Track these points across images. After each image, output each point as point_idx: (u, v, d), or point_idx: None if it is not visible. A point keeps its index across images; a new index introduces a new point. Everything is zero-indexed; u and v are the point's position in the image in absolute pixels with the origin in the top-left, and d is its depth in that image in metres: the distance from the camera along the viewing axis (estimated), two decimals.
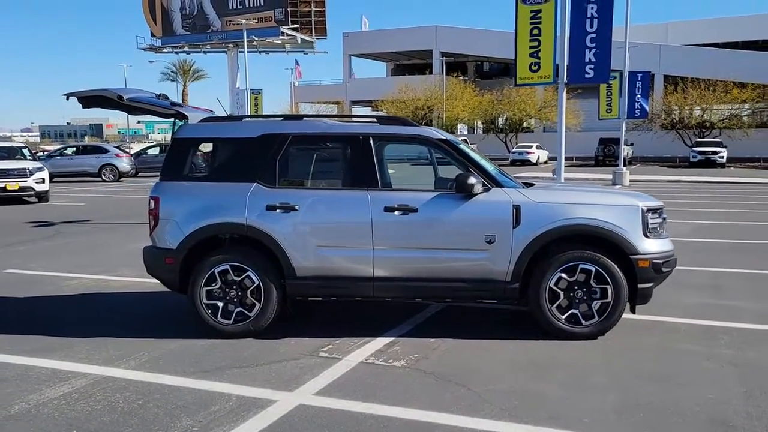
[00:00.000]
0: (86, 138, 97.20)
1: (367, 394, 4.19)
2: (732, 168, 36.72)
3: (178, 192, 5.56)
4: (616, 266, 5.11)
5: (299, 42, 54.65)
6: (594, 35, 12.31)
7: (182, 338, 5.44)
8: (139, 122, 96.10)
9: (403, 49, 58.65)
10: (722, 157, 37.57)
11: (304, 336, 5.44)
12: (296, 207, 5.32)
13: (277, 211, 5.34)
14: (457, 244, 5.26)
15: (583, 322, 5.21)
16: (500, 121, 50.80)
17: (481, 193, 5.21)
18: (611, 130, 39.59)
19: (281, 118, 5.96)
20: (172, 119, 5.89)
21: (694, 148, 39.15)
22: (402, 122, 5.74)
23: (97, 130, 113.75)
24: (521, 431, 3.61)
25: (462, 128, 56.43)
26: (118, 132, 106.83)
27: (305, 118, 5.93)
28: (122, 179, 28.35)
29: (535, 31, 12.72)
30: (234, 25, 51.05)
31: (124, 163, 28.76)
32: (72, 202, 18.62)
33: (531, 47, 12.76)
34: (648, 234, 5.21)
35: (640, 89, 24.62)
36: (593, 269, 5.13)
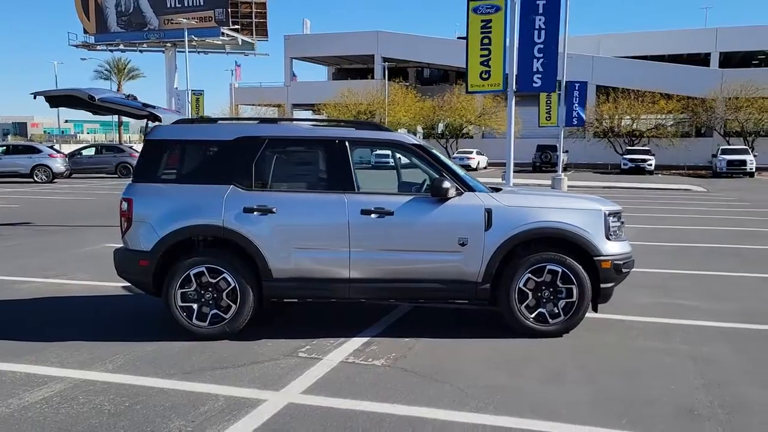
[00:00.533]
0: (9, 137, 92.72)
1: (354, 392, 4.30)
2: (660, 175, 38.49)
3: (152, 194, 5.53)
4: (580, 267, 5.39)
5: (240, 43, 53.96)
6: (541, 46, 12.77)
7: (156, 341, 5.40)
8: (66, 121, 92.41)
9: (345, 53, 58.82)
10: (651, 165, 39.39)
11: (279, 337, 5.49)
12: (273, 209, 5.38)
13: (255, 213, 5.38)
14: (431, 246, 5.43)
15: (550, 320, 5.47)
16: (441, 127, 51.55)
17: (454, 197, 5.40)
18: (546, 137, 41.01)
19: (257, 121, 6.00)
20: (145, 120, 5.84)
21: (625, 156, 40.86)
22: (377, 127, 5.88)
23: (20, 128, 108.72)
24: (506, 423, 3.80)
25: (403, 133, 56.92)
26: (44, 131, 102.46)
27: (280, 122, 5.99)
28: (55, 180, 27.34)
29: (486, 41, 13.10)
30: (173, 23, 50.05)
31: (59, 164, 27.76)
32: (5, 204, 17.87)
33: (482, 56, 13.13)
34: (609, 237, 5.52)
35: (577, 98, 25.50)
36: (560, 270, 5.40)
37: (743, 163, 36.98)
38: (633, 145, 44.97)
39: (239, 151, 5.54)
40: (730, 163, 37.19)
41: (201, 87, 38.83)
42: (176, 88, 52.43)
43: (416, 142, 5.70)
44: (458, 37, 60.73)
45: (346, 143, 5.55)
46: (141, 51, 56.84)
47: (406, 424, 3.79)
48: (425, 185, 5.84)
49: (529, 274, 5.42)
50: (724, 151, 38.48)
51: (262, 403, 4.12)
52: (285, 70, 60.07)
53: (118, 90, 64.46)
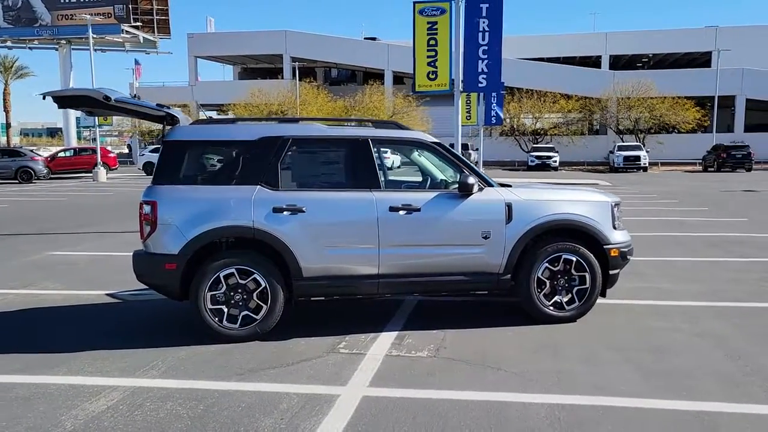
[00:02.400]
0: None
1: (418, 383, 4.45)
2: (564, 171, 40.68)
3: (177, 195, 5.41)
4: (592, 256, 5.79)
5: (141, 41, 51.96)
6: (486, 47, 13.27)
7: (183, 345, 5.32)
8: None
9: (253, 52, 57.87)
10: (555, 162, 41.55)
11: (308, 336, 5.53)
12: (303, 209, 5.41)
13: (285, 213, 5.39)
14: (456, 240, 5.65)
15: (566, 307, 5.83)
16: None
17: (476, 192, 5.65)
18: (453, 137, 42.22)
19: (276, 121, 5.99)
20: (162, 122, 5.64)
21: (532, 153, 42.85)
22: (397, 126, 6.04)
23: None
24: (582, 401, 4.06)
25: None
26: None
27: (301, 121, 6.00)
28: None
29: (432, 42, 13.47)
30: (68, 20, 47.42)
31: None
32: None
33: (428, 57, 13.49)
34: (615, 226, 5.96)
35: (495, 98, 26.53)
36: (574, 259, 5.77)
37: (638, 158, 39.77)
38: (537, 143, 47.18)
39: (263, 151, 5.53)
40: (626, 158, 39.87)
41: (98, 87, 36.65)
42: (72, 88, 49.72)
43: (435, 141, 5.90)
44: (365, 38, 61.43)
45: (369, 142, 5.67)
46: (31, 48, 53.52)
47: (490, 407, 3.99)
48: (441, 181, 6.07)
49: (547, 264, 5.76)
50: (620, 148, 41.21)
51: (337, 398, 4.19)
52: (189, 69, 58.31)
53: (5, 89, 60.20)
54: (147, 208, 5.39)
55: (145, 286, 7.22)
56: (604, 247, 5.83)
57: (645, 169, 39.76)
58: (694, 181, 30.08)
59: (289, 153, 5.61)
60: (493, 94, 26.90)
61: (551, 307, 5.81)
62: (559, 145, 46.34)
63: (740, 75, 48.30)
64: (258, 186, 5.45)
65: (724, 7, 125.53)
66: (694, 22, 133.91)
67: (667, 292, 6.98)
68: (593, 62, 56.56)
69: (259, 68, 64.80)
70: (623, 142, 44.35)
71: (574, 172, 39.15)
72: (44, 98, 5.52)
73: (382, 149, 6.53)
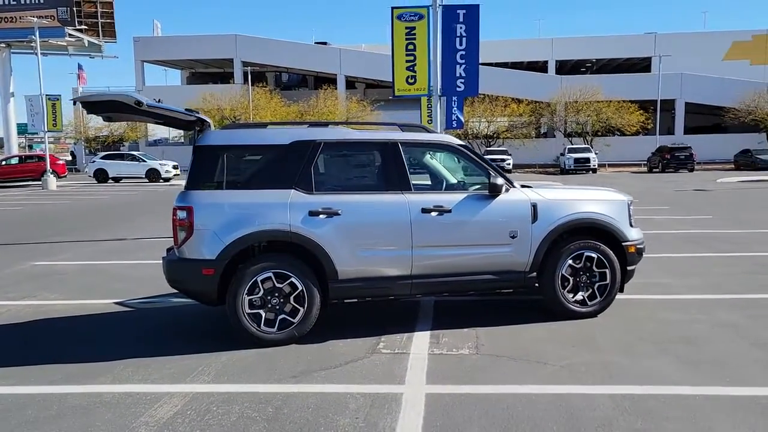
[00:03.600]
0: None
1: (474, 379, 4.58)
2: (517, 173, 41.50)
3: (213, 200, 5.39)
4: (612, 252, 6.03)
5: (86, 44, 50.31)
6: (463, 52, 13.52)
7: (220, 351, 5.30)
8: None
9: (202, 57, 56.98)
10: (509, 164, 42.36)
11: (343, 338, 5.58)
12: (339, 212, 5.47)
13: (321, 216, 5.44)
14: (485, 240, 5.80)
15: (589, 302, 6.06)
16: None
17: (503, 193, 5.82)
18: None
19: (306, 125, 6.02)
20: (194, 128, 5.57)
21: (486, 156, 43.55)
22: (424, 129, 6.15)
23: None
24: (639, 391, 4.24)
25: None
26: None
27: (330, 126, 6.05)
28: None
29: (411, 47, 13.64)
30: (8, 22, 45.67)
31: None
32: None
33: (407, 61, 13.65)
34: (632, 224, 6.22)
35: (456, 102, 26.90)
36: (595, 256, 5.99)
37: (588, 160, 41.01)
38: (490, 146, 48.07)
39: (296, 155, 5.56)
40: (576, 160, 41.06)
41: (37, 92, 35.12)
42: (12, 93, 47.91)
43: (461, 143, 6.05)
44: (315, 42, 61.29)
45: (399, 145, 5.77)
46: None
47: (554, 400, 4.14)
48: (455, 183, 6.21)
49: (570, 261, 5.97)
50: (571, 150, 42.41)
51: (401, 397, 4.27)
52: (136, 73, 57.00)
53: None
54: (182, 214, 5.35)
55: (150, 295, 7.21)
56: (623, 244, 6.08)
57: (594, 170, 41.01)
58: (645, 181, 31.22)
59: (322, 157, 5.66)
60: (454, 98, 27.35)
61: (574, 303, 6.02)
62: (510, 148, 47.34)
63: (679, 80, 50.39)
64: (292, 190, 5.48)
65: (663, 14, 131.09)
66: (635, 28, 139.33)
67: (671, 287, 7.30)
68: (540, 67, 57.95)
69: (208, 72, 63.87)
70: (572, 144, 45.62)
71: (527, 174, 40.02)
72: (75, 104, 5.40)
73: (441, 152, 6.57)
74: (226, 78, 58.76)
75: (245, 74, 52.38)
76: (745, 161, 41.26)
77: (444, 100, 25.83)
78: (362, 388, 4.43)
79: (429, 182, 6.50)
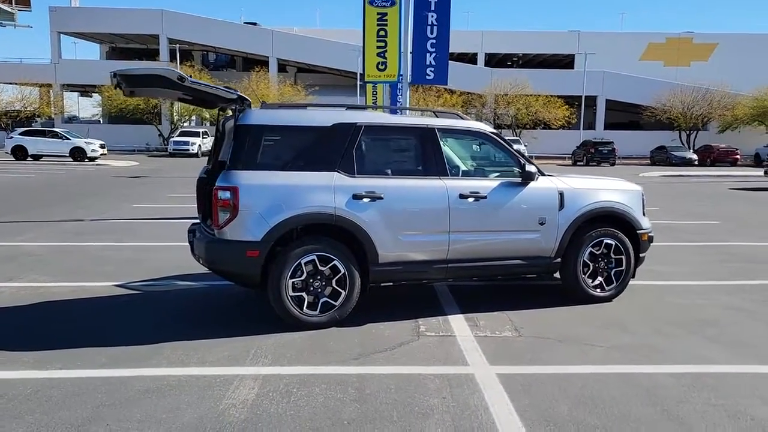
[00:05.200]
0: None
1: (532, 360, 4.74)
2: None
3: (258, 181, 5.27)
4: (627, 240, 6.34)
5: None
6: (434, 41, 13.60)
7: (265, 333, 5.24)
8: None
9: (126, 31, 54.48)
10: None
11: (381, 321, 5.61)
12: (382, 196, 5.48)
13: (364, 200, 5.43)
14: (517, 226, 5.97)
15: (606, 287, 6.35)
16: None
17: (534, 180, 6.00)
18: None
19: (344, 108, 5.97)
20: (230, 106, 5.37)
21: None
22: (458, 116, 6.23)
23: None
24: (696, 369, 4.51)
25: (197, 121, 54.43)
26: None
27: (368, 109, 6.01)
28: None
29: (382, 33, 13.64)
30: None
31: None
32: None
33: (378, 47, 13.64)
34: (644, 213, 6.55)
35: (401, 90, 27.05)
36: (613, 243, 6.29)
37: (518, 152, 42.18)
38: None
39: (338, 137, 5.53)
40: None
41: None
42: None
43: (493, 131, 6.18)
44: (245, 22, 59.89)
45: (436, 131, 5.83)
46: None
47: (623, 378, 4.35)
48: (468, 170, 6.33)
49: (591, 248, 6.23)
50: None
51: (474, 377, 4.37)
52: (52, 45, 53.80)
53: None
54: (226, 194, 5.20)
55: (149, 278, 7.00)
56: (638, 232, 6.40)
57: None
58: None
59: (363, 140, 5.64)
60: (399, 86, 27.49)
61: (593, 288, 6.30)
62: None
63: (602, 77, 52.62)
64: (335, 172, 5.44)
65: (585, 12, 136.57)
66: (558, 25, 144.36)
67: (663, 274, 7.72)
68: (470, 59, 59.00)
69: (130, 48, 61.27)
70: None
71: None
72: (114, 76, 5.11)
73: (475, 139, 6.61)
74: (149, 55, 56.55)
75: (172, 52, 50.58)
76: (660, 157, 43.65)
77: (390, 87, 26.02)
78: (431, 370, 4.49)
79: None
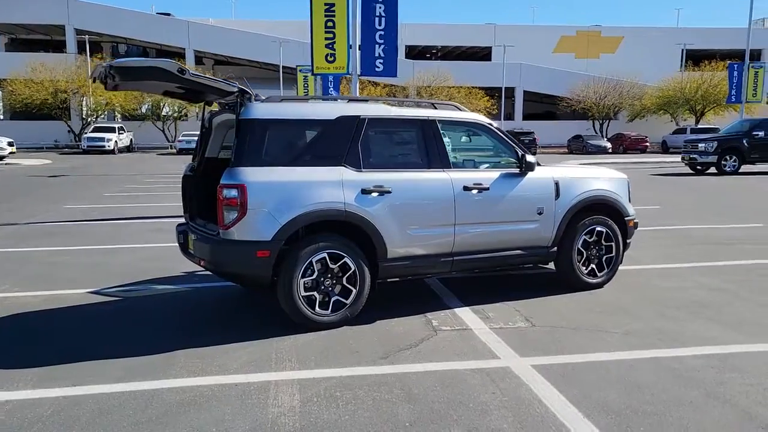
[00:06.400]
0: None
1: (560, 349, 4.74)
2: None
3: (266, 178, 5.03)
4: (617, 227, 6.50)
5: None
6: (382, 32, 13.53)
7: (276, 336, 5.03)
8: None
9: (27, 21, 51.22)
10: None
11: (387, 318, 5.49)
12: (390, 190, 5.36)
13: (372, 194, 5.29)
14: (517, 216, 5.99)
15: (598, 274, 6.48)
16: (167, 109, 48.27)
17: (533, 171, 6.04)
18: None
19: (346, 100, 5.77)
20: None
21: None
22: (456, 107, 6.16)
23: None
24: (717, 350, 4.65)
25: (109, 116, 51.83)
26: None
27: (369, 101, 5.84)
28: None
29: (330, 24, 13.41)
30: None
31: None
32: None
33: (326, 38, 13.41)
34: (630, 200, 6.73)
35: (332, 82, 26.82)
36: (604, 231, 6.43)
37: None
38: None
39: (342, 130, 5.36)
40: None
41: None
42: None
43: (491, 122, 6.16)
44: (158, 13, 57.64)
45: (437, 123, 5.76)
46: None
47: (653, 363, 4.43)
48: (493, 161, 6.33)
49: (584, 236, 6.34)
50: None
51: (509, 369, 4.34)
52: None
53: None
54: (232, 192, 4.93)
55: (122, 283, 6.64)
56: (625, 219, 6.57)
57: None
58: None
59: (367, 133, 5.48)
60: (330, 77, 27.23)
61: (587, 275, 6.42)
62: None
63: (519, 69, 54.14)
64: (342, 167, 5.27)
65: (502, 4, 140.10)
66: (475, 17, 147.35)
67: (636, 259, 7.94)
68: None
69: (32, 39, 57.64)
70: None
71: None
72: (110, 68, 4.71)
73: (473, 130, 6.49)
74: (55, 46, 53.46)
75: (80, 44, 48.03)
76: (577, 146, 45.36)
77: (321, 78, 25.72)
78: (465, 365, 4.43)
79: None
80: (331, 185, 5.18)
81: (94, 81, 5.22)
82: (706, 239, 9.46)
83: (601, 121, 53.03)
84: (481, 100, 49.43)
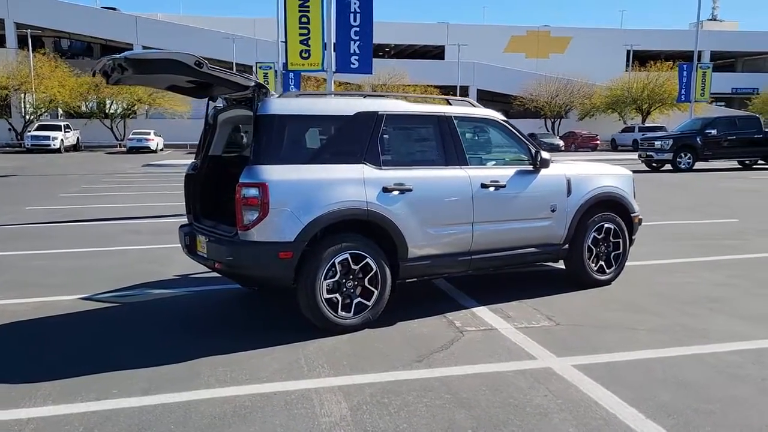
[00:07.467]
0: None
1: (587, 349, 4.66)
2: None
3: (287, 176, 4.79)
4: (623, 223, 6.51)
5: None
6: (357, 29, 13.35)
7: (297, 342, 4.81)
8: None
9: None
10: None
11: (406, 319, 5.34)
12: (411, 188, 5.20)
13: (394, 192, 5.13)
14: (532, 214, 5.92)
15: (607, 270, 6.47)
16: (114, 106, 46.73)
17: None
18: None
19: (363, 95, 5.57)
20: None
21: None
22: (470, 104, 6.04)
23: None
24: (746, 346, 4.66)
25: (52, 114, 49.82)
26: None
27: (388, 97, 5.65)
28: None
29: (304, 20, 13.16)
30: None
31: None
32: None
33: (301, 35, 13.17)
34: (635, 196, 6.75)
35: (293, 80, 26.42)
36: (612, 227, 6.42)
37: None
38: None
39: (361, 127, 5.18)
40: None
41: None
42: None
43: (505, 119, 6.07)
44: (103, 7, 55.85)
45: (454, 119, 5.64)
46: None
47: (693, 360, 4.40)
48: (506, 158, 6.24)
49: (594, 233, 6.32)
50: None
51: (552, 371, 4.24)
52: None
53: None
54: (253, 191, 4.68)
55: (113, 288, 6.37)
56: (631, 215, 6.59)
57: None
58: None
59: (385, 129, 5.32)
60: (291, 75, 26.82)
61: (596, 272, 6.40)
62: None
63: (473, 68, 54.65)
64: (363, 164, 5.09)
65: (456, 5, 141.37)
66: (428, 16, 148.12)
67: (636, 254, 7.77)
68: None
69: None
70: None
71: None
72: (126, 61, 4.39)
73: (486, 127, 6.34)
74: None
75: (21, 38, 46.04)
76: None
77: (283, 75, 25.34)
78: (505, 366, 4.32)
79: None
80: (353, 183, 4.98)
81: (94, 74, 4.90)
82: (691, 236, 9.63)
83: (553, 120, 54.02)
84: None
